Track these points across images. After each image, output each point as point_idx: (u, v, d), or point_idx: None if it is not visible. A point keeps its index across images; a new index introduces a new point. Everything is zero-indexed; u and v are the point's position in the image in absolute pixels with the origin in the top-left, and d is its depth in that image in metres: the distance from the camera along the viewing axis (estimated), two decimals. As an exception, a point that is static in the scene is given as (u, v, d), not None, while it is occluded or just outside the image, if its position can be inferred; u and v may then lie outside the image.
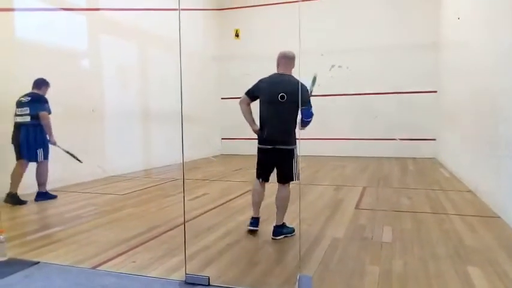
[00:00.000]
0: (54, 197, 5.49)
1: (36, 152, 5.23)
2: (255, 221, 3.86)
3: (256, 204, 3.89)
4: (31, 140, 5.21)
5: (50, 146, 5.41)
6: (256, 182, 3.88)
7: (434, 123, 9.66)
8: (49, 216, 4.60)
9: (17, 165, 5.20)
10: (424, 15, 9.83)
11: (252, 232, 3.82)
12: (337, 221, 4.25)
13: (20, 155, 5.20)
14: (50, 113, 5.34)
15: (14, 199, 5.05)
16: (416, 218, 4.35)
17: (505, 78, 4.39)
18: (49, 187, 5.81)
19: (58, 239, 3.73)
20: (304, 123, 3.57)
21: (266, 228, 4.00)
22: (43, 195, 5.40)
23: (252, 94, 3.80)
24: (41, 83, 5.43)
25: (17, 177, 5.15)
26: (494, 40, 4.95)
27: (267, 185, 3.90)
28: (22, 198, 5.15)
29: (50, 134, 5.32)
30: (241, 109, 3.80)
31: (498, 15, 4.80)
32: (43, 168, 5.39)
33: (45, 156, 5.36)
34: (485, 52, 5.30)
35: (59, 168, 6.37)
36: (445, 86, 8.89)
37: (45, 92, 5.45)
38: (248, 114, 3.79)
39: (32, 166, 5.35)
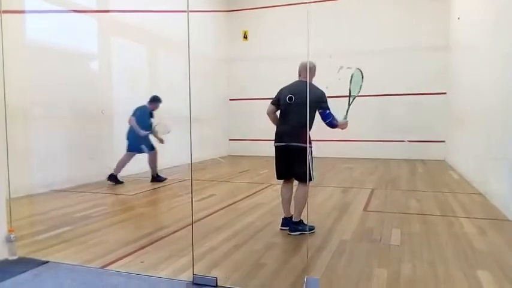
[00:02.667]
0: (164, 179, 7.08)
1: (140, 147, 6.81)
2: (284, 221, 3.98)
3: (285, 204, 3.99)
4: (131, 138, 6.80)
5: (153, 139, 6.97)
6: (282, 182, 4.04)
7: (443, 125, 9.58)
8: (58, 216, 4.64)
9: (125, 155, 6.78)
10: (434, 17, 9.75)
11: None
12: (345, 223, 4.23)
13: (127, 149, 6.80)
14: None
15: (114, 179, 6.65)
16: (425, 221, 4.32)
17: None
18: (58, 187, 5.88)
19: (67, 238, 3.77)
20: (329, 125, 3.85)
21: (274, 229, 4.00)
22: (157, 178, 7.03)
23: (275, 102, 4.01)
24: (151, 100, 6.98)
25: (121, 163, 6.74)
26: (503, 42, 4.90)
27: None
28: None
29: (138, 131, 6.69)
30: (269, 118, 4.03)
31: (507, 17, 4.75)
32: (150, 157, 7.02)
33: (150, 149, 6.93)
34: (495, 54, 5.25)
35: (68, 168, 6.46)
36: (454, 88, 8.81)
37: (153, 107, 6.99)
38: (275, 121, 4.02)
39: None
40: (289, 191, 3.99)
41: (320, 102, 3.78)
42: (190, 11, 3.44)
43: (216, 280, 2.70)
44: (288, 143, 3.82)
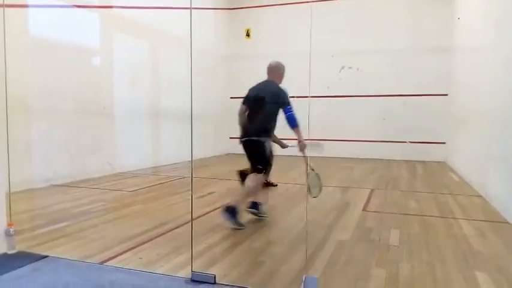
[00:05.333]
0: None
1: None
2: (252, 204, 4.31)
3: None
4: None
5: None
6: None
7: (444, 127, 9.58)
8: (58, 211, 4.64)
9: None
10: (436, 18, 9.73)
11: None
12: (344, 223, 4.24)
13: None
14: None
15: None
16: (425, 222, 4.32)
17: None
18: (58, 182, 5.88)
19: (66, 233, 3.77)
20: (290, 121, 4.08)
21: (273, 227, 4.01)
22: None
23: (244, 101, 4.35)
24: None
25: None
26: (504, 44, 4.90)
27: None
28: None
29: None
30: (239, 118, 4.33)
31: (509, 19, 4.75)
32: None
33: None
34: (496, 56, 5.25)
35: (68, 163, 6.47)
36: (456, 90, 8.81)
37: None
38: (242, 121, 4.32)
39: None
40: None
41: (282, 101, 4.09)
42: (193, 8, 3.44)
43: (215, 277, 2.70)
44: (248, 138, 4.14)
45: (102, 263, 3.04)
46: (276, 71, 4.41)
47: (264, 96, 4.14)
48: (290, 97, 4.20)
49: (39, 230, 3.85)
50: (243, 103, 4.31)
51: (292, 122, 4.06)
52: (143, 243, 3.51)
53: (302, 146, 4.06)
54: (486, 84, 5.75)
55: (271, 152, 4.40)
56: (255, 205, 4.30)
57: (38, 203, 5.05)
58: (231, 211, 3.91)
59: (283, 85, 4.37)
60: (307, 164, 4.07)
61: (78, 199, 5.30)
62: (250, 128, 4.16)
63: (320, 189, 4.00)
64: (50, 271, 2.87)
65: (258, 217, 4.31)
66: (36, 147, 5.93)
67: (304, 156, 4.12)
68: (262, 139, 4.12)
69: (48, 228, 3.91)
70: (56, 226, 3.99)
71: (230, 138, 11.50)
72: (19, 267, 2.90)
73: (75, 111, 6.58)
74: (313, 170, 4.07)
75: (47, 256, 3.13)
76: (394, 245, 3.52)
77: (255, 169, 4.13)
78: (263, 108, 4.11)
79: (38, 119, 6.00)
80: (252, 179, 4.08)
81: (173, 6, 7.75)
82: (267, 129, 4.19)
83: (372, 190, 6.09)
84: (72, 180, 6.36)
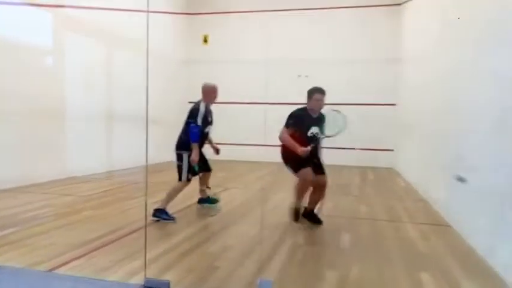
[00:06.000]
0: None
1: None
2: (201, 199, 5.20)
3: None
4: None
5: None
6: None
7: (392, 135, 10.05)
8: (4, 217, 4.40)
9: None
10: (386, 32, 10.25)
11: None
12: (298, 227, 4.34)
13: None
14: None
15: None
16: (374, 225, 4.52)
17: (454, 92, 4.68)
18: (6, 186, 5.59)
19: (12, 240, 3.59)
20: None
21: (229, 232, 4.03)
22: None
23: None
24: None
25: None
26: (443, 57, 5.27)
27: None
28: None
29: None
30: None
31: (448, 31, 5.12)
32: None
33: None
34: (437, 69, 5.62)
35: (16, 167, 6.15)
36: (403, 100, 9.29)
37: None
38: None
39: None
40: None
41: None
42: (150, 11, 3.42)
43: (169, 283, 2.69)
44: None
45: (50, 270, 2.93)
46: (211, 90, 4.92)
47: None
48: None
49: (-19, 238, 3.64)
50: None
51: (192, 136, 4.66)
52: (95, 249, 3.41)
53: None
54: (428, 94, 6.13)
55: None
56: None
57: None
58: (159, 211, 4.39)
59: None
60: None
61: (27, 204, 5.04)
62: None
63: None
64: (-7, 280, 2.73)
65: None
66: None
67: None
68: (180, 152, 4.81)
69: (-8, 235, 3.71)
70: (1, 233, 3.79)
71: (187, 142, 11.42)
72: (-41, 276, 2.74)
73: (25, 112, 6.27)
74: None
75: (-10, 264, 2.97)
76: (345, 248, 3.66)
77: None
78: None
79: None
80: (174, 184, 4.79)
81: (130, 8, 7.62)
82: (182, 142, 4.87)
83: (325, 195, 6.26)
84: (21, 185, 6.05)
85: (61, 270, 2.93)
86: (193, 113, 4.71)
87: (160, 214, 4.38)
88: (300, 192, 4.40)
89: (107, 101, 8.53)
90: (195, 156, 4.56)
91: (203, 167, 4.96)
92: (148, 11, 3.37)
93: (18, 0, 6.26)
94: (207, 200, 5.18)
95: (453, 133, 4.73)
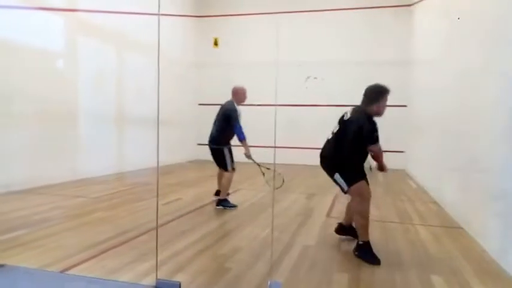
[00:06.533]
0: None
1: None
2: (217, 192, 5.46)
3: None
4: None
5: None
6: None
7: (403, 136, 9.96)
8: (16, 218, 4.46)
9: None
10: (396, 33, 10.19)
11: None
12: (309, 229, 4.33)
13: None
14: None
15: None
16: (385, 228, 4.49)
17: (467, 94, 4.63)
18: (17, 188, 5.66)
19: (25, 241, 3.64)
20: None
21: (239, 234, 4.04)
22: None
23: None
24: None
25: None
26: (456, 59, 5.22)
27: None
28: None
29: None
30: None
31: (458, 33, 5.08)
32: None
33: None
34: (450, 70, 5.57)
35: (27, 169, 6.23)
36: (414, 101, 9.21)
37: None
38: None
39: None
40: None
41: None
42: (162, 14, 3.45)
43: (180, 285, 2.70)
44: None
45: (62, 271, 2.96)
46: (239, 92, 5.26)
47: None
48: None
49: (-5, 238, 3.70)
50: None
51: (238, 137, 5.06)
52: (106, 251, 3.44)
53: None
54: (440, 96, 6.08)
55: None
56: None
57: (-7, 210, 4.84)
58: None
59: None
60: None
61: (38, 206, 5.11)
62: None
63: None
64: (6, 280, 2.77)
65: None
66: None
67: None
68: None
69: (6, 236, 3.76)
70: (14, 234, 3.84)
71: (198, 144, 11.47)
72: (-26, 277, 2.79)
73: (36, 115, 6.36)
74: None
75: (4, 265, 3.01)
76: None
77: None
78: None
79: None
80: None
81: (141, 12, 7.69)
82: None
83: (336, 196, 6.24)
84: (33, 187, 6.13)
85: (73, 271, 2.96)
86: (232, 115, 5.08)
87: (224, 203, 5.14)
88: (366, 211, 3.50)
89: (118, 104, 8.61)
90: (248, 151, 5.07)
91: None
92: (159, 14, 3.39)
93: (30, 5, 6.35)
94: (225, 202, 5.25)
95: (465, 135, 4.68)
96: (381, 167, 3.83)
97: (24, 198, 5.53)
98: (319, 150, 3.86)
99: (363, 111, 3.71)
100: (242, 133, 5.05)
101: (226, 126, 5.11)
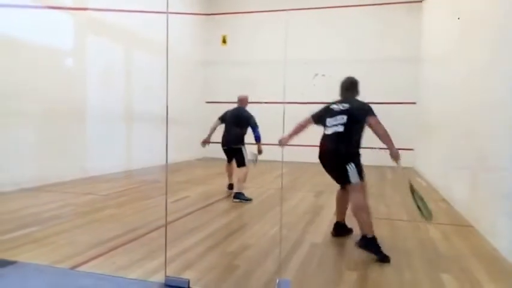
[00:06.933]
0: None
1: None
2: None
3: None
4: None
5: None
6: None
7: (412, 134, 9.89)
8: (27, 215, 4.52)
9: None
10: (406, 30, 10.09)
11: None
12: (317, 227, 4.32)
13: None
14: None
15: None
16: (393, 226, 4.46)
17: (477, 92, 4.58)
18: (28, 185, 5.72)
19: (36, 238, 3.68)
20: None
21: (248, 231, 4.04)
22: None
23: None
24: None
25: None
26: (467, 56, 5.16)
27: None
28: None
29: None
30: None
31: (472, 31, 5.01)
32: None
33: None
34: (460, 68, 5.51)
35: (37, 167, 6.30)
36: (424, 98, 9.13)
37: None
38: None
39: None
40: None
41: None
42: (170, 13, 3.46)
43: (189, 282, 2.71)
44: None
45: (72, 268, 2.99)
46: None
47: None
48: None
49: (7, 235, 3.74)
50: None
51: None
52: (115, 248, 3.47)
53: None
54: (450, 93, 6.01)
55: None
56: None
57: (6, 207, 4.90)
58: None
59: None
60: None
61: (49, 203, 5.17)
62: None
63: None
64: (18, 277, 2.81)
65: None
66: (5, 149, 5.75)
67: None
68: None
69: (17, 233, 3.81)
70: (25, 231, 3.89)
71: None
72: (-14, 273, 2.82)
73: (46, 113, 6.42)
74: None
75: (16, 262, 3.05)
76: (365, 248, 3.61)
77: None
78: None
79: (7, 121, 5.82)
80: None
81: (150, 10, 7.71)
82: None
83: (344, 195, 6.22)
84: (43, 184, 6.19)
85: (83, 268, 2.99)
86: (249, 118, 5.80)
87: (240, 196, 5.49)
88: (368, 205, 3.65)
89: (126, 101, 8.66)
90: (261, 150, 5.78)
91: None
92: (167, 12, 3.40)
93: (39, 4, 6.40)
94: (241, 195, 5.59)
95: (475, 133, 4.63)
96: (394, 154, 3.78)
97: (35, 196, 5.59)
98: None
99: (357, 99, 3.95)
100: (259, 134, 5.78)
101: (243, 129, 5.84)
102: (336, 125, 3.76)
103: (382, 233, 4.12)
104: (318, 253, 3.47)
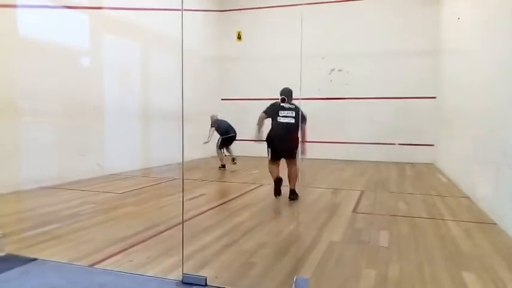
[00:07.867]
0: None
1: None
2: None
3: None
4: None
5: None
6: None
7: (433, 129, 9.69)
8: (47, 213, 4.60)
9: None
10: (424, 22, 9.86)
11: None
12: (335, 224, 4.26)
13: None
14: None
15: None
16: (413, 223, 4.37)
17: (503, 87, 4.42)
18: (48, 183, 5.81)
19: (56, 236, 3.74)
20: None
21: (264, 229, 4.02)
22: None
23: None
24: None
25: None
26: (492, 49, 4.99)
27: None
28: None
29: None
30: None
31: (496, 23, 4.84)
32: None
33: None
34: (483, 59, 5.34)
35: (58, 165, 6.41)
36: (444, 93, 8.92)
37: None
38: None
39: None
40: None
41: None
42: (185, 10, 3.44)
43: (206, 279, 2.71)
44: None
45: (91, 265, 3.02)
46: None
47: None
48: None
49: (28, 233, 3.81)
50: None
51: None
52: (133, 245, 3.49)
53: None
54: (473, 87, 5.84)
55: None
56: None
57: (26, 205, 5.00)
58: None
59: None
60: None
61: (68, 201, 5.25)
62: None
63: None
64: (38, 274, 2.85)
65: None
66: (25, 148, 5.87)
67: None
68: None
69: (37, 231, 3.87)
70: (45, 228, 3.95)
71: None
72: (7, 270, 2.87)
73: (64, 112, 6.53)
74: None
75: (36, 259, 3.10)
76: (384, 246, 3.55)
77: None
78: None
79: (27, 120, 5.94)
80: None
81: (164, 7, 7.74)
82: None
83: (362, 192, 6.14)
84: (62, 182, 6.30)
85: (101, 266, 3.02)
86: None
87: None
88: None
89: (142, 99, 8.73)
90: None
91: None
92: (182, 10, 3.38)
93: (56, 3, 6.49)
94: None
95: (498, 129, 4.49)
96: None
97: (54, 194, 5.69)
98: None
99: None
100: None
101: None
102: (288, 117, 5.26)
103: (402, 231, 4.05)
104: (336, 251, 3.42)
